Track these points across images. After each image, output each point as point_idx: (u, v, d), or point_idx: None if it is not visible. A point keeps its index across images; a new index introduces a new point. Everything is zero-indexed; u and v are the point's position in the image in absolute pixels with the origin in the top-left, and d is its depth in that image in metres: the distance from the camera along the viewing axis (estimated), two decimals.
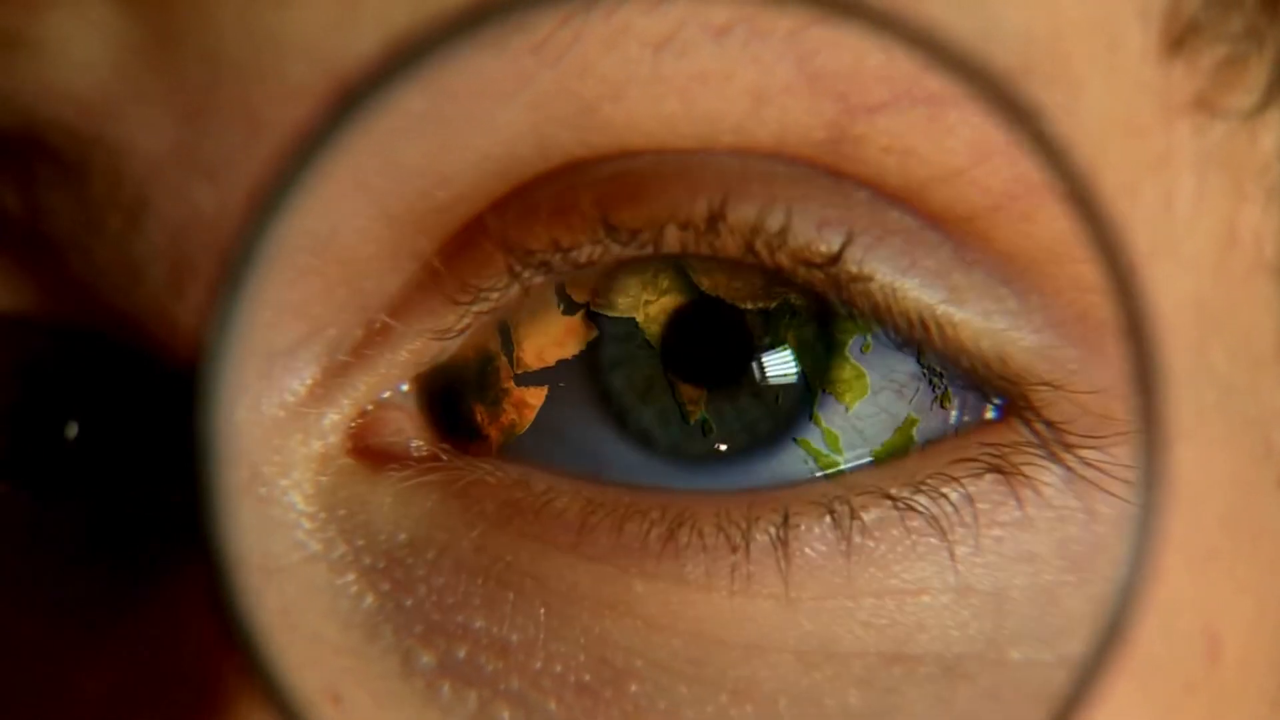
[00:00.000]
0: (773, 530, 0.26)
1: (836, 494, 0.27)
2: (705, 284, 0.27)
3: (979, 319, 0.26)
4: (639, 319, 0.27)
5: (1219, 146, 0.28)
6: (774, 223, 0.26)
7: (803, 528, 0.26)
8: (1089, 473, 0.27)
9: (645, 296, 0.27)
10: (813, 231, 0.26)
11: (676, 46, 0.25)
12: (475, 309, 0.26)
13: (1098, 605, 0.24)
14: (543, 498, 0.27)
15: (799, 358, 0.27)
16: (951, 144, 0.25)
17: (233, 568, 0.20)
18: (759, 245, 0.26)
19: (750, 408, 0.28)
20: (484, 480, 0.27)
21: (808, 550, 0.26)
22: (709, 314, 0.27)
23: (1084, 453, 0.27)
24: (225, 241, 0.25)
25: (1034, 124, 0.20)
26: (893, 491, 0.27)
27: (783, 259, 0.26)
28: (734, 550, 0.26)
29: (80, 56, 0.25)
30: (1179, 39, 0.27)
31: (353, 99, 0.22)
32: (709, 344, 0.28)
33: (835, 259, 0.26)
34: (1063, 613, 0.27)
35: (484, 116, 0.25)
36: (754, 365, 0.27)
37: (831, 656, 0.26)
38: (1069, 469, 0.27)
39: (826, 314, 0.27)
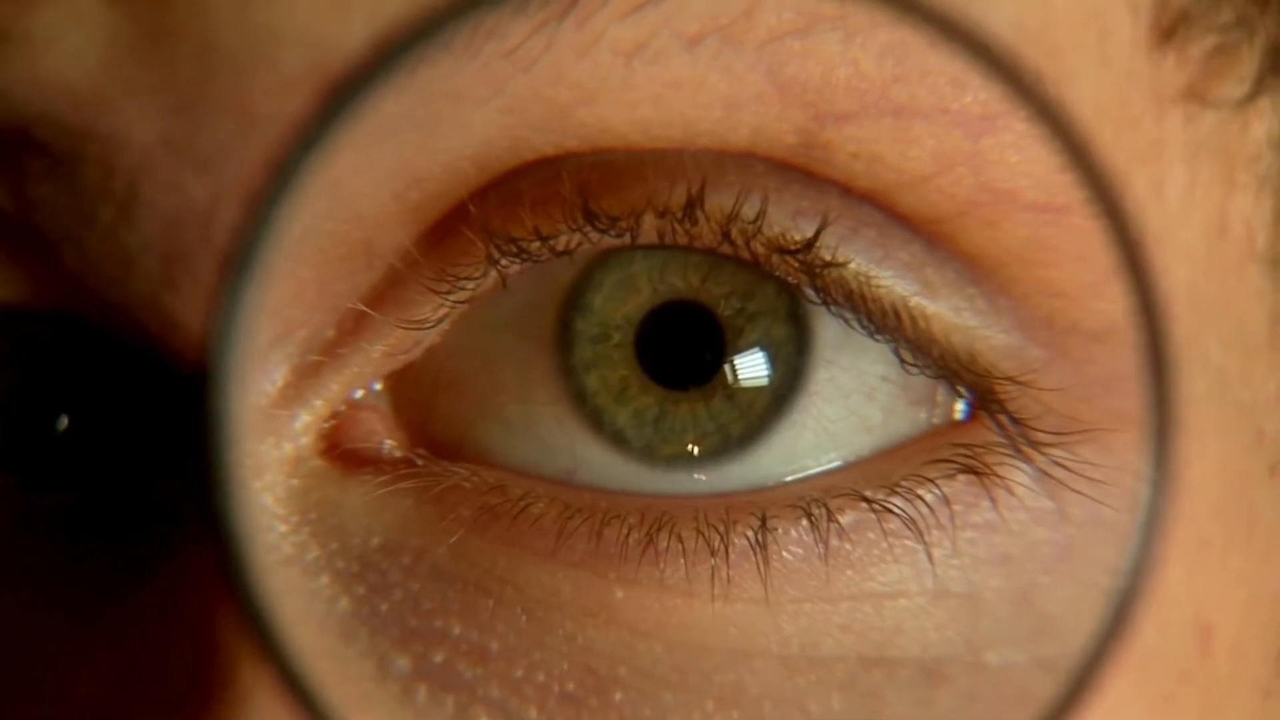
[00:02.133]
0: (750, 534, 0.26)
1: (813, 497, 0.27)
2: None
3: (950, 314, 0.27)
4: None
5: (1210, 136, 0.28)
6: (750, 210, 0.26)
7: (780, 531, 0.26)
8: (1058, 472, 0.27)
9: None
10: (788, 220, 0.26)
11: (649, 54, 0.25)
12: (452, 298, 0.26)
13: (1100, 599, 0.24)
14: (520, 503, 0.27)
15: (771, 359, 0.27)
16: (916, 153, 0.26)
17: (246, 559, 0.20)
18: (735, 233, 0.26)
19: (723, 410, 0.28)
20: (459, 486, 0.27)
21: (785, 554, 0.26)
22: (682, 315, 0.27)
23: (1052, 451, 0.27)
24: (217, 233, 0.25)
25: (1052, 111, 0.20)
26: (868, 494, 0.27)
27: (758, 247, 0.26)
28: (713, 554, 0.26)
29: (71, 49, 0.25)
30: (1169, 29, 0.27)
31: (346, 97, 0.22)
32: (682, 345, 0.28)
33: (809, 245, 0.26)
34: (1036, 615, 0.27)
35: (458, 119, 0.25)
36: (726, 367, 0.27)
37: (813, 661, 0.26)
38: (1038, 468, 0.27)
39: (799, 313, 0.27)
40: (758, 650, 0.26)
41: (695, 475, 0.27)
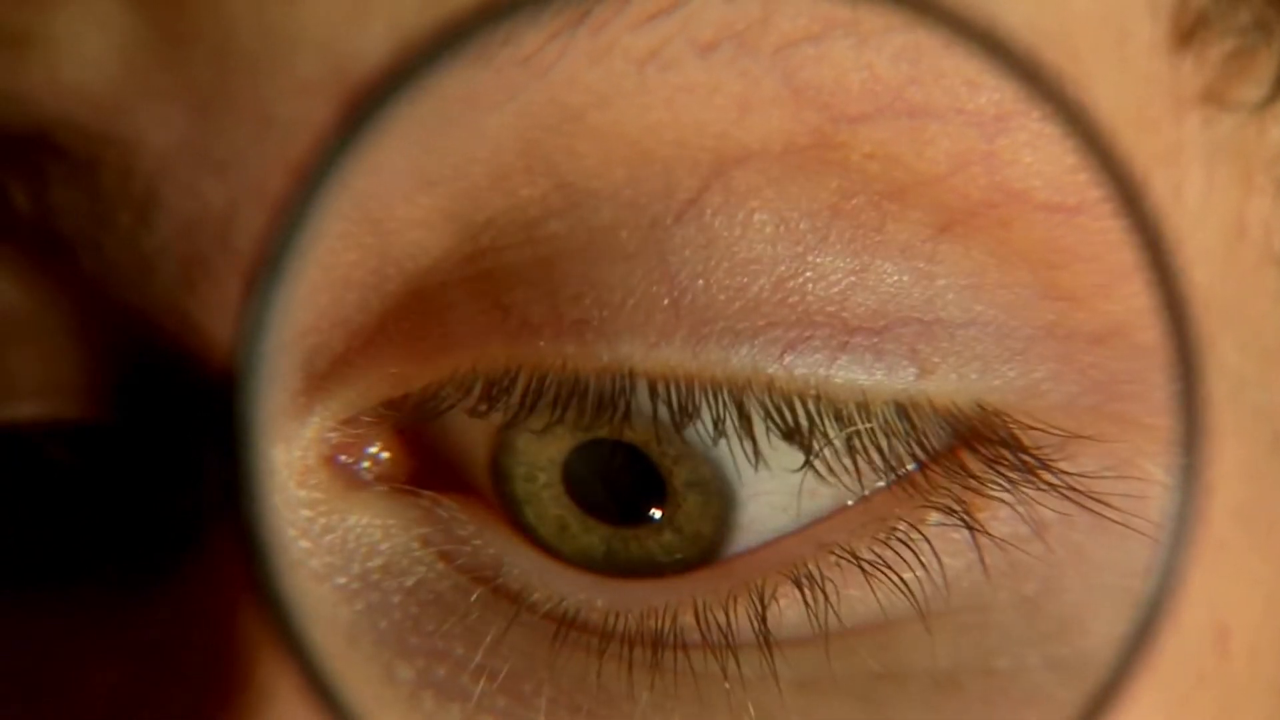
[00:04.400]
0: (753, 622, 0.27)
1: (805, 555, 0.27)
2: None
3: (954, 379, 0.27)
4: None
5: (1228, 139, 0.28)
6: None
7: (781, 603, 0.27)
8: (1063, 491, 0.27)
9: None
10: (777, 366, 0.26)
11: (662, 61, 0.25)
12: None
13: (1113, 600, 0.25)
14: (532, 577, 0.27)
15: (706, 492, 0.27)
16: (932, 153, 0.26)
17: (276, 563, 0.20)
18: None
19: (672, 540, 0.28)
20: (461, 548, 0.27)
21: (784, 623, 0.27)
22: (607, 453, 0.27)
23: (1061, 465, 0.27)
24: (236, 237, 0.25)
25: (1072, 109, 0.20)
26: (858, 550, 0.27)
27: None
28: (717, 653, 0.27)
29: (90, 53, 0.25)
30: (1188, 32, 0.27)
31: (373, 108, 0.22)
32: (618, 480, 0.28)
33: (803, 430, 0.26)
34: (1046, 618, 0.27)
35: (471, 122, 0.25)
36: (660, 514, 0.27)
37: (825, 678, 0.27)
38: (1052, 486, 0.27)
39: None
40: (768, 674, 0.27)
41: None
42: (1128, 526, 0.27)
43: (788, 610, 0.27)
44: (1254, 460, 0.29)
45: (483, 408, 0.26)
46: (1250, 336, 0.29)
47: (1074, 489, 0.27)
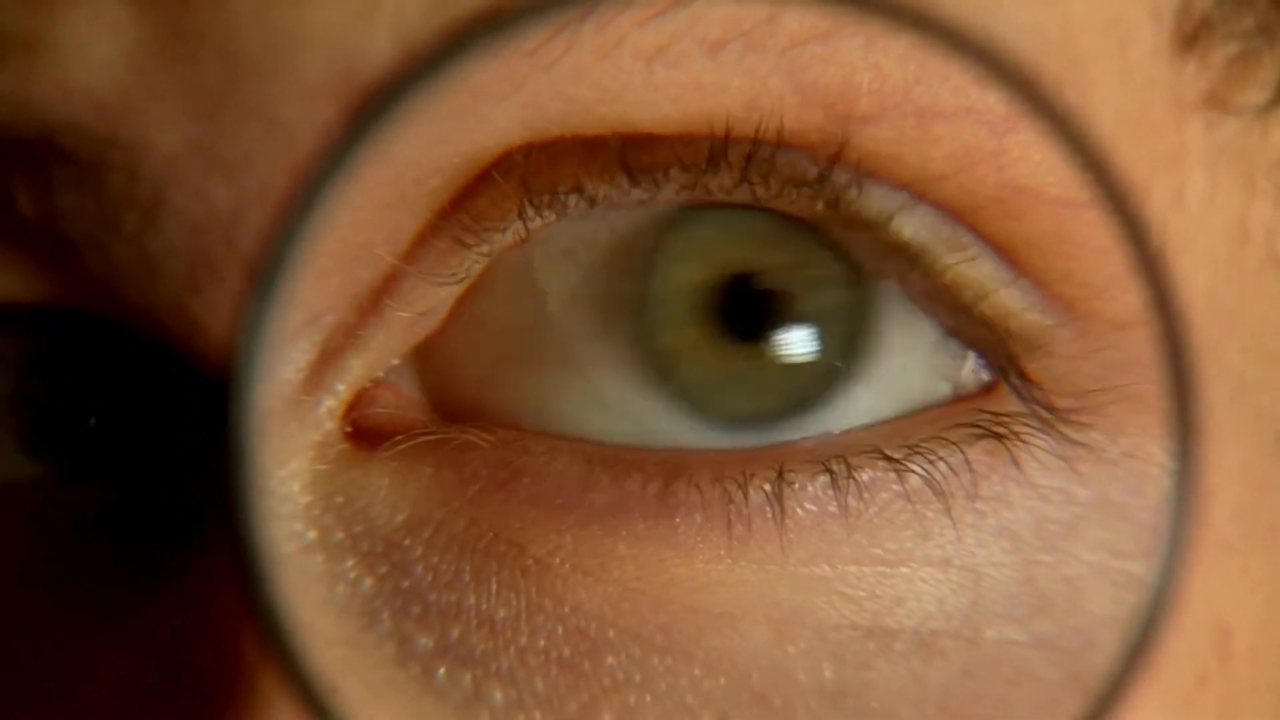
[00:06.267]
0: (768, 486, 0.26)
1: (834, 453, 0.27)
2: None
3: (970, 269, 0.27)
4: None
5: (1231, 143, 0.28)
6: (765, 150, 0.26)
7: (797, 485, 0.26)
8: (1071, 449, 0.27)
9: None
10: (805, 160, 0.26)
11: (670, 58, 0.25)
12: (478, 250, 0.27)
13: (1131, 605, 0.25)
14: (542, 458, 0.27)
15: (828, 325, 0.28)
16: (936, 154, 0.26)
17: (262, 561, 0.20)
18: (753, 175, 0.26)
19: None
20: (477, 444, 0.27)
21: (800, 510, 0.26)
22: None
23: (1064, 428, 0.27)
24: (242, 238, 0.25)
25: (1068, 125, 0.20)
26: (888, 452, 0.27)
27: (775, 185, 0.26)
28: (730, 503, 0.26)
29: (96, 57, 0.25)
30: (1191, 36, 0.27)
31: (377, 111, 0.22)
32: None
33: (826, 172, 0.26)
34: (1036, 593, 0.27)
35: (478, 113, 0.25)
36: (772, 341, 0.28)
37: (806, 628, 0.26)
38: (1058, 439, 0.27)
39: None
40: (749, 613, 0.26)
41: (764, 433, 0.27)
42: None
43: (803, 492, 0.27)
44: (1255, 463, 0.29)
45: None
46: (1252, 340, 0.29)
47: (1073, 441, 0.27)
